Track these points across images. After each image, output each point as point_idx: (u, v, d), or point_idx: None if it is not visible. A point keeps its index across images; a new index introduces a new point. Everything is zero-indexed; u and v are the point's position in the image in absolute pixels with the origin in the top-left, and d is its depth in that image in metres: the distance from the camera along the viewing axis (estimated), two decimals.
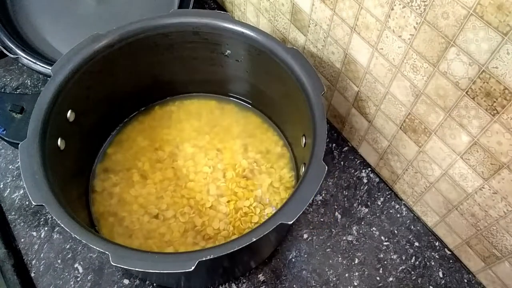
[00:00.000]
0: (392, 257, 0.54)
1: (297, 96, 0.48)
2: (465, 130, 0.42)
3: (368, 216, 0.57)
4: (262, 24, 0.66)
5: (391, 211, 0.58)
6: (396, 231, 0.56)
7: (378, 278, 0.53)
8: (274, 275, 0.53)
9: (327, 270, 0.53)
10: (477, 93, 0.38)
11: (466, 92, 0.39)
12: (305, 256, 0.54)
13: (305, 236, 0.56)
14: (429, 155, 0.48)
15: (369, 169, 0.61)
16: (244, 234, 0.38)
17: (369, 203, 0.58)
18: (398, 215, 0.57)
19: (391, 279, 0.53)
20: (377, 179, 0.60)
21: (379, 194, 0.59)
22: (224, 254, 0.37)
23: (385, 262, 0.54)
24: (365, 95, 0.53)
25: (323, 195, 0.59)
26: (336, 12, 0.49)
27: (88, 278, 0.52)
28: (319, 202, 0.58)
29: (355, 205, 0.58)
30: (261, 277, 0.53)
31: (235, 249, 0.37)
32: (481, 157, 0.42)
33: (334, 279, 0.53)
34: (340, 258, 0.54)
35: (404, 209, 0.58)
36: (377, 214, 0.57)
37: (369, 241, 0.55)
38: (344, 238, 0.55)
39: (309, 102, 0.46)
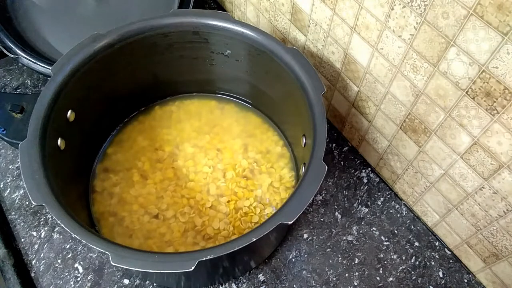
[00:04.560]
0: (392, 257, 0.54)
1: (297, 96, 0.48)
2: (465, 130, 0.42)
3: (368, 216, 0.57)
4: (262, 24, 0.66)
5: (391, 211, 0.58)
6: (396, 231, 0.56)
7: (378, 278, 0.53)
8: (274, 275, 0.53)
9: (327, 270, 0.53)
10: (477, 93, 0.38)
11: (466, 92, 0.39)
12: (305, 256, 0.54)
13: (305, 236, 0.56)
14: (429, 155, 0.48)
15: (369, 169, 0.61)
16: (244, 234, 0.38)
17: (369, 203, 0.58)
18: (398, 215, 0.57)
19: (391, 279, 0.53)
20: (377, 179, 0.60)
21: (379, 194, 0.59)
22: (224, 254, 0.37)
23: (385, 262, 0.54)
24: (365, 95, 0.53)
25: (323, 195, 0.59)
26: (336, 12, 0.49)
27: (88, 278, 0.52)
28: (319, 202, 0.58)
29: (355, 205, 0.58)
30: (261, 277, 0.53)
31: (235, 249, 0.37)
32: (481, 157, 0.42)
33: (334, 279, 0.53)
34: (340, 258, 0.54)
35: (404, 209, 0.58)
36: (377, 214, 0.57)
37: (369, 241, 0.55)
38: (344, 238, 0.55)
39: (309, 102, 0.46)
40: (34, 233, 0.56)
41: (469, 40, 0.36)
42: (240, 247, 0.37)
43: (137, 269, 0.37)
